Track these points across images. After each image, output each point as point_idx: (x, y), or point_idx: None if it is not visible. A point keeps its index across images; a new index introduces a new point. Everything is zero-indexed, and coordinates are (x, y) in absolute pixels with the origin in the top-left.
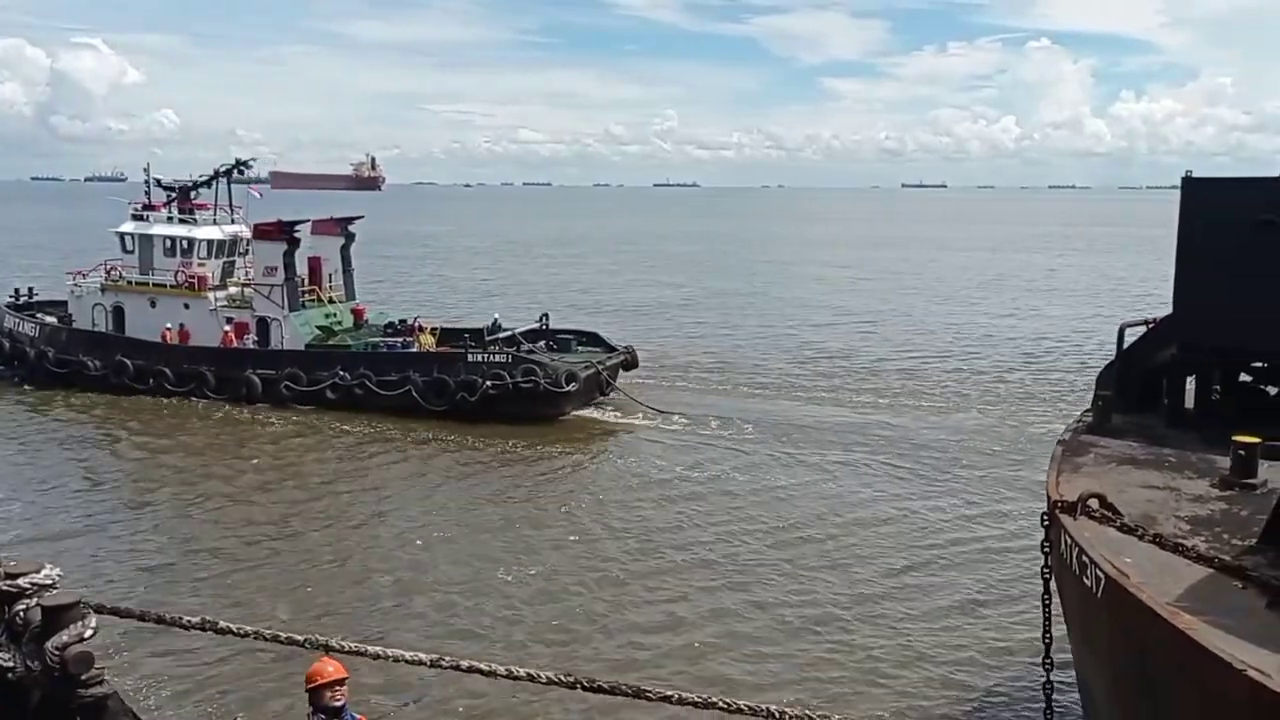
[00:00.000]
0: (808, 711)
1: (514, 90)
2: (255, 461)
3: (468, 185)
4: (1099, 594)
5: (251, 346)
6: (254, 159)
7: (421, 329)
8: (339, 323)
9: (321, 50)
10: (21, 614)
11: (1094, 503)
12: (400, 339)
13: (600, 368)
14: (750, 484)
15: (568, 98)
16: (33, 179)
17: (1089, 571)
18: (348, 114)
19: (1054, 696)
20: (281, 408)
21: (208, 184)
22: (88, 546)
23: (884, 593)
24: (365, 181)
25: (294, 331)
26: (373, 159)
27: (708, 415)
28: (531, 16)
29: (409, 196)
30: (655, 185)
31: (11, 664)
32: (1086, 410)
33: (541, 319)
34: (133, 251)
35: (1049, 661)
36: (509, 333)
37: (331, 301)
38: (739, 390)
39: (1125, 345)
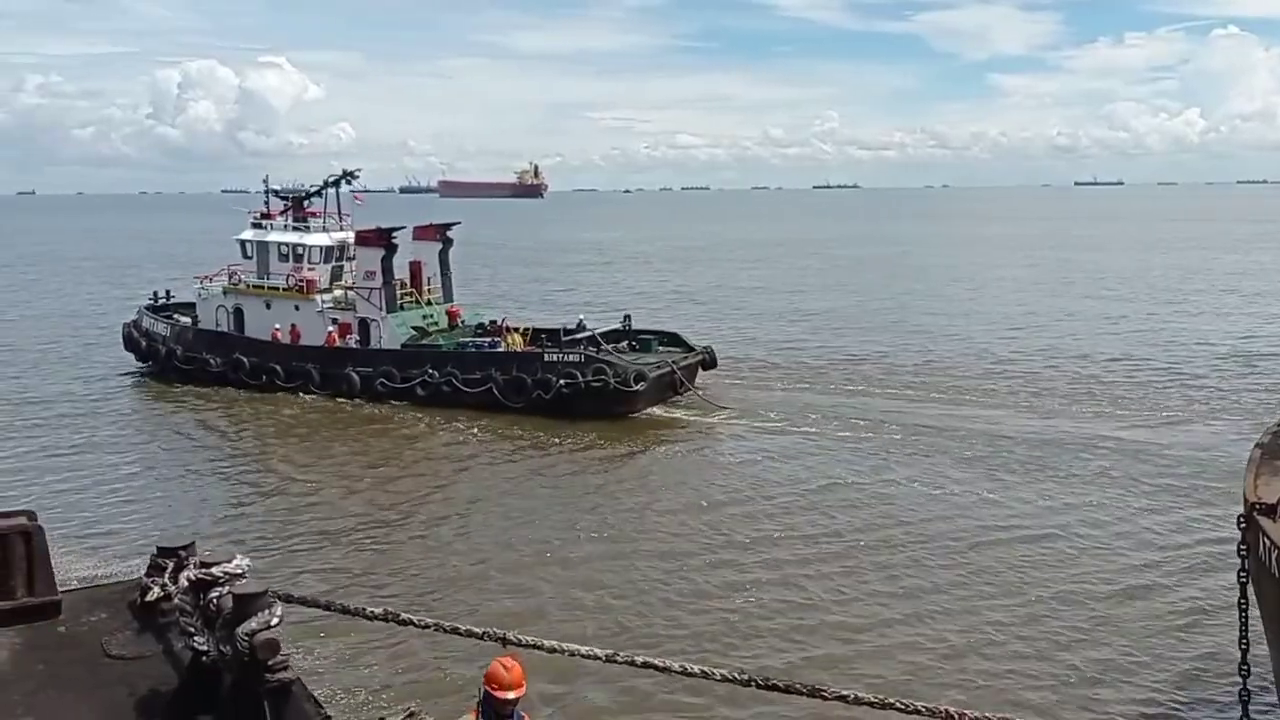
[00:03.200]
0: (986, 714)
1: (671, 95)
2: (375, 456)
3: (627, 191)
4: None
5: (353, 346)
6: (359, 170)
7: (509, 329)
8: (434, 324)
9: (485, 62)
10: (215, 601)
11: None
12: (489, 339)
13: (674, 368)
14: (841, 483)
15: (725, 101)
16: (223, 191)
17: None
18: (511, 123)
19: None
20: (378, 403)
21: (318, 193)
22: (246, 535)
23: (1050, 596)
24: (528, 189)
25: (391, 332)
26: (535, 167)
27: (819, 417)
28: (688, 22)
29: (570, 203)
30: (814, 187)
31: (206, 648)
32: None
33: (624, 319)
34: (251, 257)
35: (1245, 668)
36: (590, 333)
37: (429, 304)
38: (884, 393)
39: None
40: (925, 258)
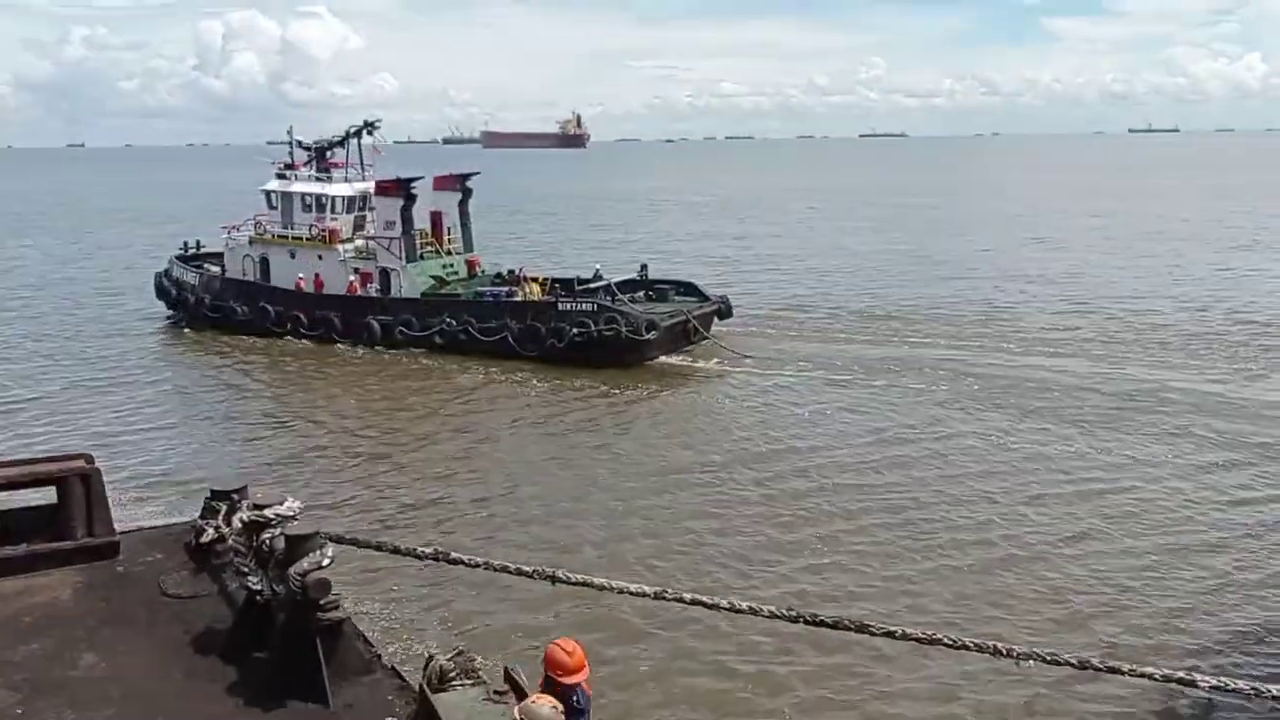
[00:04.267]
0: (1035, 650)
1: (715, 43)
2: (396, 403)
3: (670, 141)
4: None
5: (374, 294)
6: (379, 120)
7: (527, 278)
8: (454, 273)
9: (527, 11)
10: (268, 542)
11: None
12: (506, 288)
13: (689, 316)
14: (889, 436)
15: (770, 48)
16: (268, 143)
17: None
18: (553, 73)
19: None
20: (398, 350)
21: (341, 144)
22: (284, 480)
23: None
24: (571, 139)
25: (411, 281)
26: (578, 117)
27: (862, 367)
28: None
29: (613, 153)
30: (861, 136)
31: (260, 587)
32: None
33: (641, 269)
34: (276, 207)
35: None
36: (605, 282)
37: (449, 253)
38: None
39: None
40: (979, 207)
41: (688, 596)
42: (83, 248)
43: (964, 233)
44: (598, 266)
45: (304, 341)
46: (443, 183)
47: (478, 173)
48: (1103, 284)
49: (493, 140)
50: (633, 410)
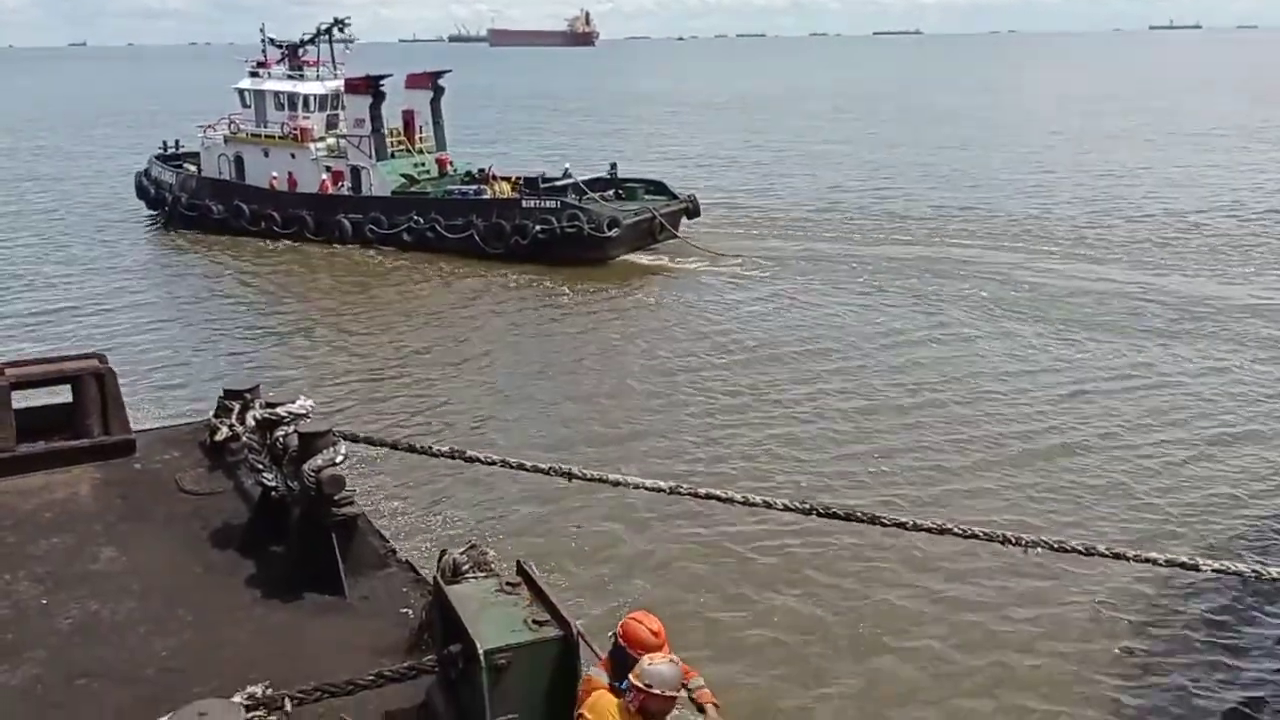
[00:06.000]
0: (1042, 538)
1: None
2: (373, 298)
3: (680, 39)
4: None
5: (345, 193)
6: (349, 18)
7: (494, 178)
8: (425, 171)
9: None
10: (281, 439)
11: None
12: (475, 186)
13: (655, 214)
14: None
15: None
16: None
17: None
18: None
19: None
20: (368, 248)
21: (312, 42)
22: (287, 380)
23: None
24: (580, 37)
25: (381, 179)
26: (587, 14)
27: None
28: None
29: (623, 51)
30: (875, 34)
31: (275, 483)
32: None
33: (611, 167)
34: (250, 106)
35: None
36: (572, 180)
37: (421, 152)
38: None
39: None
40: (1008, 111)
41: (702, 491)
42: (87, 149)
43: (990, 132)
44: (567, 165)
45: (281, 242)
46: (415, 81)
47: (449, 70)
48: (1138, 186)
49: (500, 38)
50: (605, 307)
